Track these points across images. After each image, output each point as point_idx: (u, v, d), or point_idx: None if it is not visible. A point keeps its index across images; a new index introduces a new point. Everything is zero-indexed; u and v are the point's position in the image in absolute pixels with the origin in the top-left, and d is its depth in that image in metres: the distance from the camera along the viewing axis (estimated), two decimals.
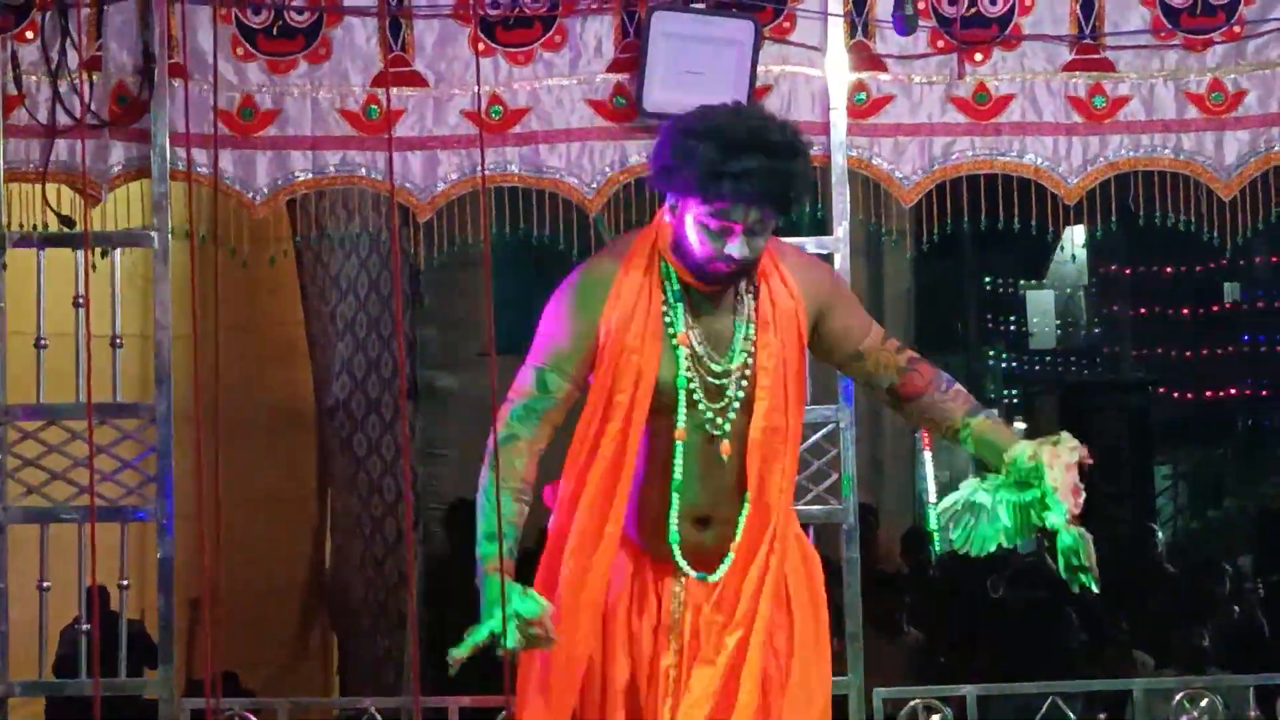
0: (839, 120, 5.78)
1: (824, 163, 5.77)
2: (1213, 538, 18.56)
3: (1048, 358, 21.87)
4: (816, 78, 5.80)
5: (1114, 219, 5.91)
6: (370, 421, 9.24)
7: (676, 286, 4.28)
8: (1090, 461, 4.30)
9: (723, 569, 4.31)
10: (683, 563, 4.31)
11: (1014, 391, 21.29)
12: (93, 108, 5.63)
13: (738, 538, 4.31)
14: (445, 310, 10.58)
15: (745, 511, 4.31)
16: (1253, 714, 6.03)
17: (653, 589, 4.34)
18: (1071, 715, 5.97)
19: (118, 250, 5.77)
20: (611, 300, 4.26)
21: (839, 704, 5.70)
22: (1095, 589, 4.22)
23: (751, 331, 4.32)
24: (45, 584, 5.68)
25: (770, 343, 4.32)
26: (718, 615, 4.29)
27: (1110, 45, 5.87)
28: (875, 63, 5.85)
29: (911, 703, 5.84)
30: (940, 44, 5.85)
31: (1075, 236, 20.30)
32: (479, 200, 5.70)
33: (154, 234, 5.72)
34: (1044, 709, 5.95)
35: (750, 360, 4.31)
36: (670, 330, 4.27)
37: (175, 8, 5.63)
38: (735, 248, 4.16)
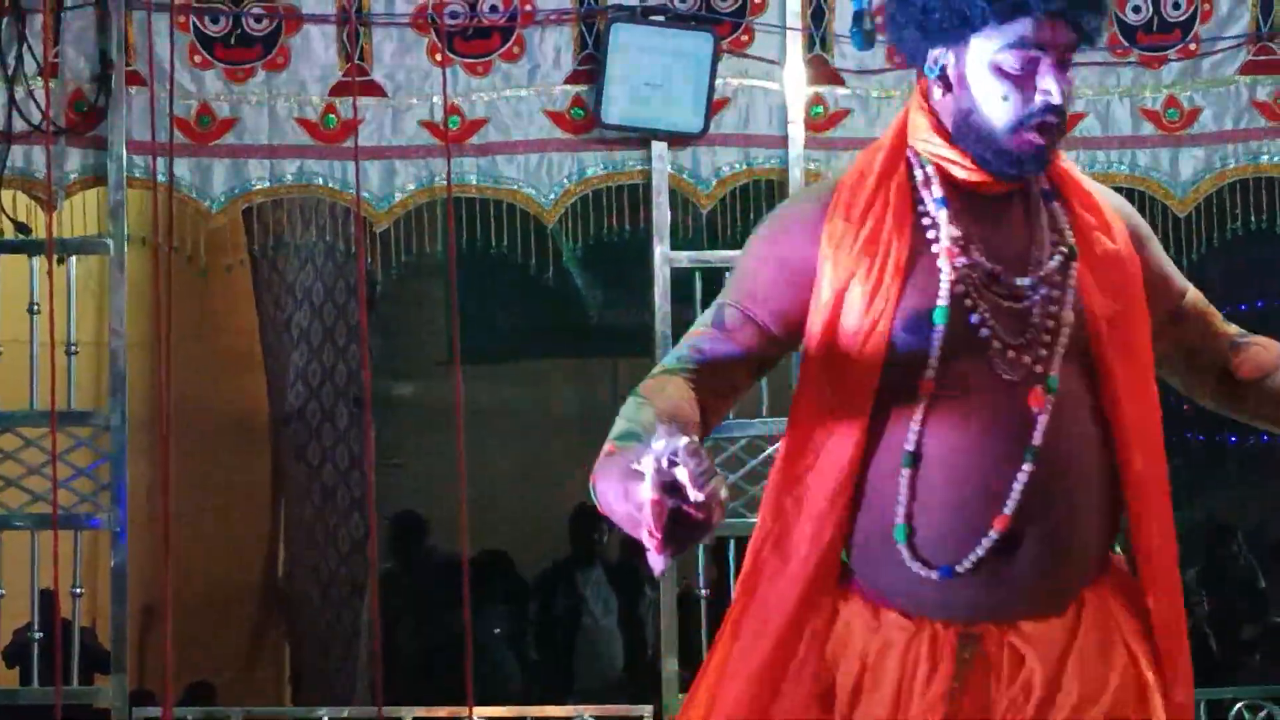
0: (796, 134, 5.80)
1: (782, 176, 5.80)
2: None
3: None
4: (775, 91, 5.82)
5: None
6: (324, 431, 9.21)
7: (938, 195, 2.98)
8: None
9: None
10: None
11: None
12: (49, 114, 5.61)
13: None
14: (397, 319, 10.58)
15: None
16: None
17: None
18: None
19: (73, 257, 5.75)
20: (821, 234, 3.00)
21: None
22: None
23: (1069, 244, 3.00)
24: None
25: (1100, 267, 2.99)
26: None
27: None
28: (833, 76, 5.87)
29: None
30: (898, 59, 5.86)
31: None
32: (435, 210, 5.70)
33: (110, 241, 5.70)
34: None
35: (1070, 278, 2.97)
36: (932, 248, 2.96)
37: (133, 15, 5.63)
38: (1051, 85, 2.87)
